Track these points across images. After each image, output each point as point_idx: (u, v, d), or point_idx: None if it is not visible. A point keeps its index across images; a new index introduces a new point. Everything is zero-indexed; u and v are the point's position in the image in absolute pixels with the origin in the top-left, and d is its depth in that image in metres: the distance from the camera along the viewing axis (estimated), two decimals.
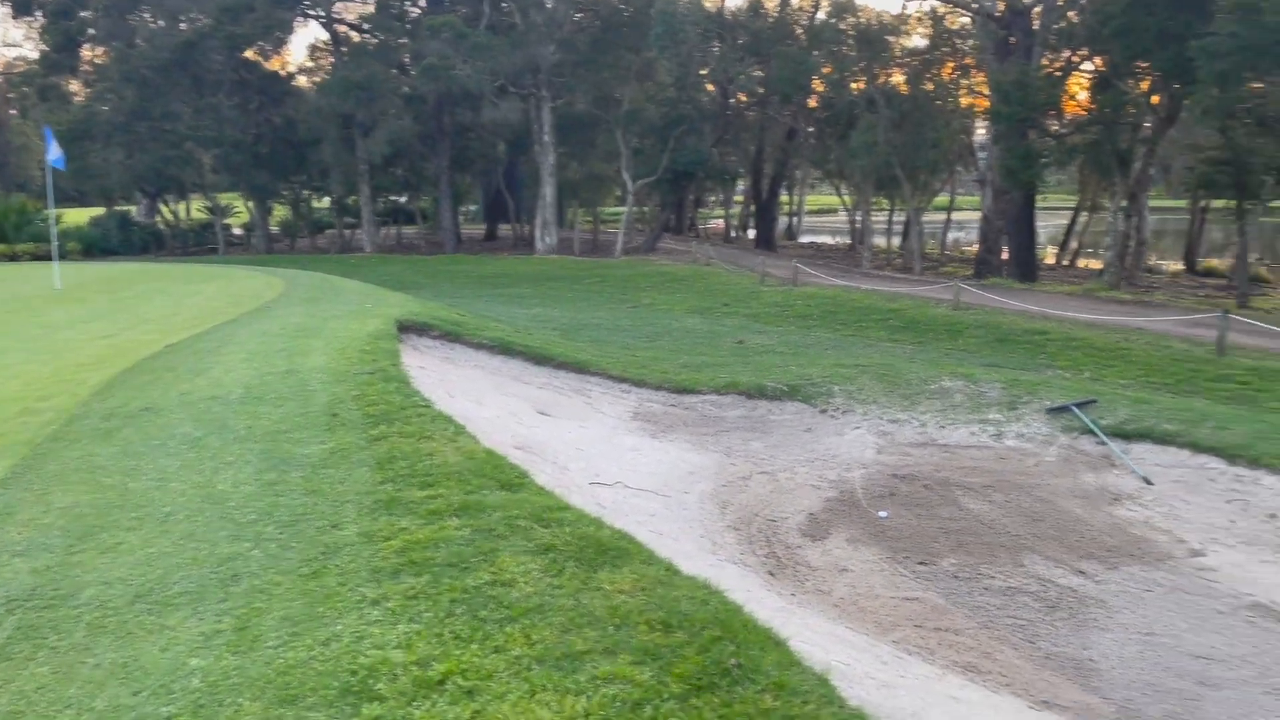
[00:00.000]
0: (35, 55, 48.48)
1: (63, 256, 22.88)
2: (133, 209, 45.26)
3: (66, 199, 43.92)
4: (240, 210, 47.51)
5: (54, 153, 18.82)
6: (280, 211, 46.44)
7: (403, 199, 49.56)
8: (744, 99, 41.17)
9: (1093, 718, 5.59)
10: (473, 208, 65.39)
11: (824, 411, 11.81)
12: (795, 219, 58.51)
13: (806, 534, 8.34)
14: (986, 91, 31.61)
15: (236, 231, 47.79)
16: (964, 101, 36.30)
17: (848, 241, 48.02)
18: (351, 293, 17.23)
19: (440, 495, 5.67)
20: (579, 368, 12.64)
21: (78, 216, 42.41)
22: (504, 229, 50.56)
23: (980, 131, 36.89)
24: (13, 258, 32.85)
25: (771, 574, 7.30)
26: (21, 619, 4.37)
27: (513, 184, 47.80)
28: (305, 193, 45.17)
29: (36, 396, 8.61)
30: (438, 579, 4.60)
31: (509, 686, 3.64)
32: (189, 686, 3.82)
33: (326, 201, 47.41)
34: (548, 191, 36.98)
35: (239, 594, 4.62)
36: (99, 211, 42.88)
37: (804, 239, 54.52)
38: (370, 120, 34.26)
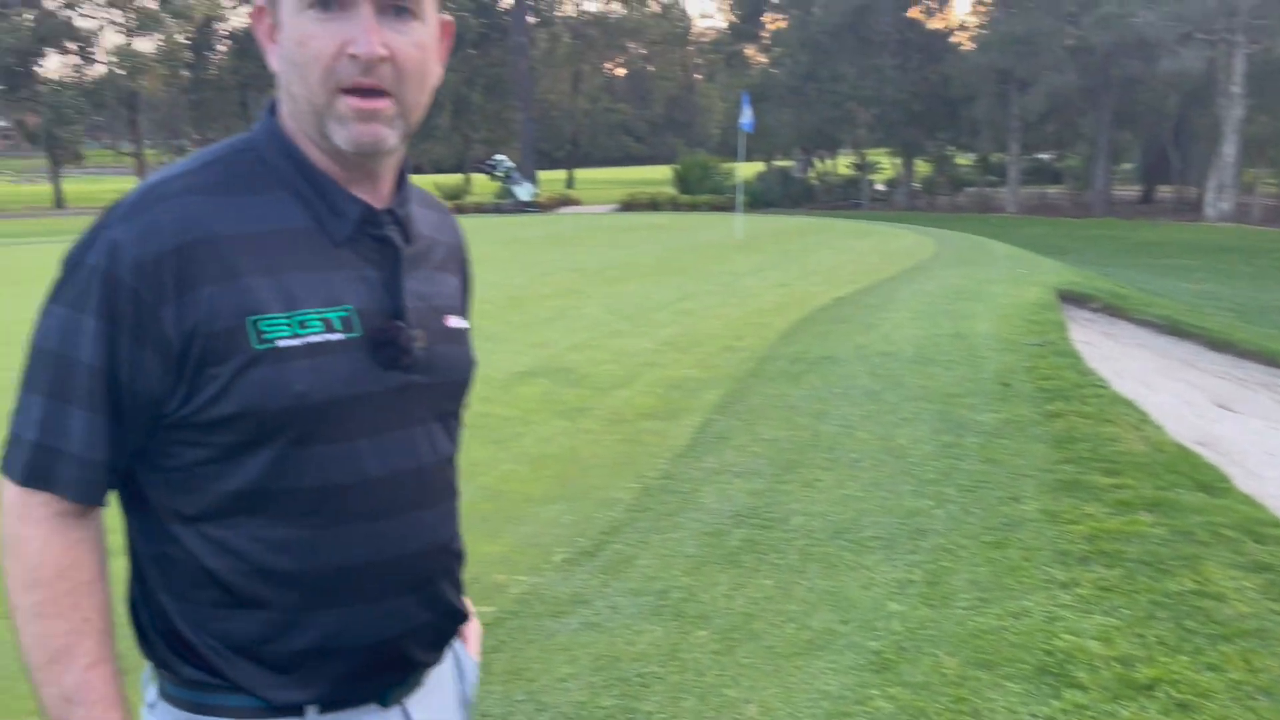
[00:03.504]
0: (723, 25, 54.85)
1: (745, 209, 25.77)
2: (790, 164, 49.32)
3: (733, 154, 49.23)
4: (885, 167, 49.22)
5: (746, 116, 21.24)
6: (922, 168, 47.21)
7: (1050, 157, 47.31)
8: None
9: None
10: (1127, 167, 60.12)
11: None
12: None
13: None
14: None
15: (879, 187, 49.68)
16: None
17: None
18: (1002, 256, 17.00)
19: (1128, 486, 5.40)
20: (1270, 358, 11.08)
21: (743, 171, 47.48)
22: (1163, 191, 45.77)
23: None
24: (694, 207, 37.75)
25: None
26: (747, 534, 5.09)
27: (1181, 141, 42.93)
28: (950, 149, 45.28)
29: (733, 336, 9.90)
30: (1132, 575, 4.40)
31: (1230, 711, 3.38)
32: (890, 628, 4.15)
33: (969, 158, 47.07)
34: (1228, 150, 32.58)
35: (926, 549, 4.88)
36: (760, 167, 47.46)
37: None
38: (1029, 75, 33.07)
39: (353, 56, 1.17)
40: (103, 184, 59.28)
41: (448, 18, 1.33)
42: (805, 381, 7.88)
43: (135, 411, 1.20)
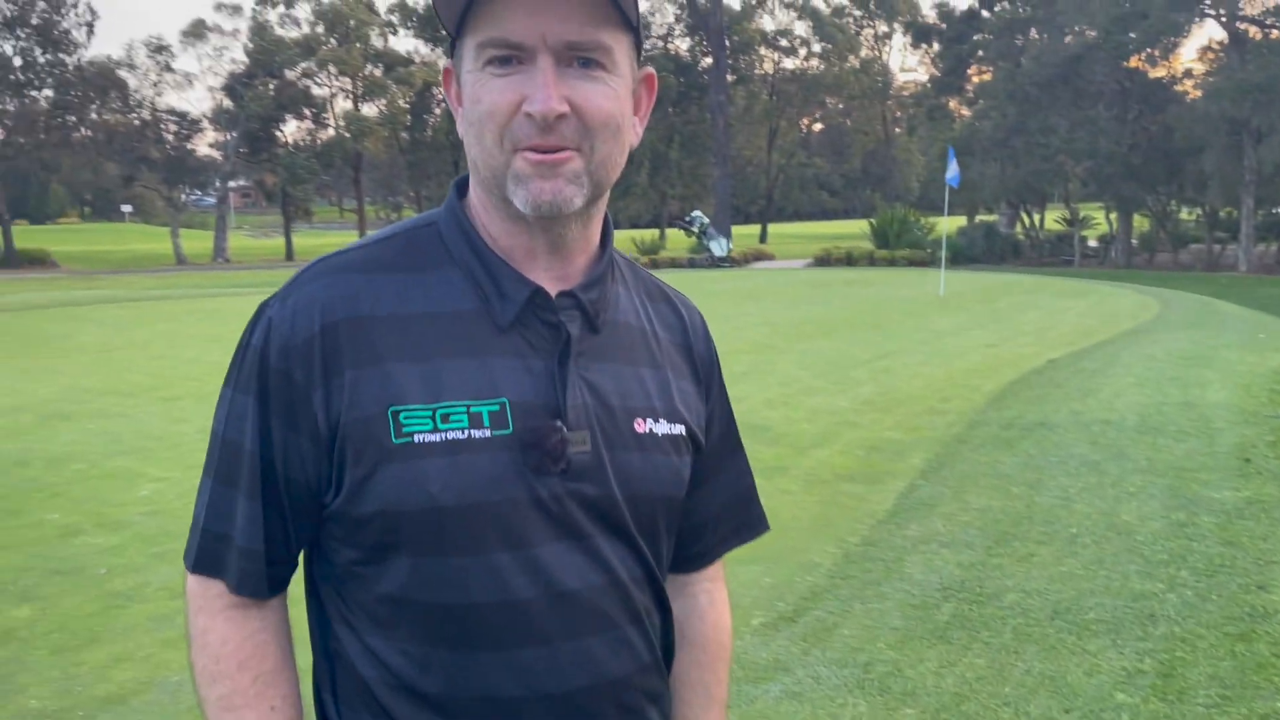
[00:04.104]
0: (925, 78, 54.06)
1: (946, 265, 25.01)
2: (995, 219, 47.60)
3: (932, 208, 47.93)
4: (1099, 222, 46.73)
5: (952, 171, 20.76)
6: (1139, 223, 44.46)
7: None
8: None
9: None
10: None
11: None
12: None
13: None
14: None
15: (1091, 243, 47.11)
16: None
17: None
18: (1235, 319, 15.73)
19: None
20: None
21: (945, 225, 46.20)
22: None
23: None
24: (891, 263, 37.00)
25: None
26: (956, 608, 4.84)
27: None
28: (1173, 204, 42.51)
29: (938, 398, 9.55)
30: None
31: None
32: None
33: (1193, 214, 44.01)
34: None
35: (1157, 636, 4.49)
36: (962, 221, 46.01)
37: None
38: (1267, 125, 30.76)
39: (529, 115, 1.05)
40: (327, 238, 64.06)
41: (649, 70, 1.20)
42: (1018, 449, 7.48)
43: (295, 502, 1.13)
